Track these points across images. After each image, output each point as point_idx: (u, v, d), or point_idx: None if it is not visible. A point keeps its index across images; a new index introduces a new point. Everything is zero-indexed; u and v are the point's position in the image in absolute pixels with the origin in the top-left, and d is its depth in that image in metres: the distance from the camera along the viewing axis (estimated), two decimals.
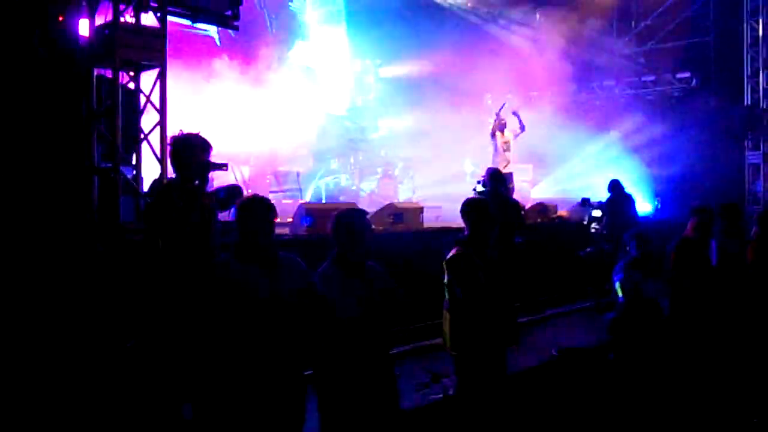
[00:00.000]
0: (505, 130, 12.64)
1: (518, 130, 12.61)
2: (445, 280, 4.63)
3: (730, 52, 15.90)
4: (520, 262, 7.94)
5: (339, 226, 4.01)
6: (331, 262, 3.99)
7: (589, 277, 9.56)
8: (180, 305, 4.29)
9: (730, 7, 15.79)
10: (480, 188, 9.25)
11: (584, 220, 10.65)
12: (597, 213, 10.40)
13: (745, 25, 15.41)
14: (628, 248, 6.39)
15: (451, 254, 4.64)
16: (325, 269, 3.96)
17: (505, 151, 12.51)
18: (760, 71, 15.31)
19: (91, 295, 5.80)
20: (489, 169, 8.69)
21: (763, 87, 15.27)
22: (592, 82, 18.27)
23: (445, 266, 4.64)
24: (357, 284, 3.91)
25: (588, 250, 10.04)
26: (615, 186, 10.50)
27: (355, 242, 3.97)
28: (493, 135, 12.50)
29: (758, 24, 15.26)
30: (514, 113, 12.72)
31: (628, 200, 10.46)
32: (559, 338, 7.78)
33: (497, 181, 8.33)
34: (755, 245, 7.13)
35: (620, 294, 6.20)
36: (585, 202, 10.90)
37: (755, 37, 15.36)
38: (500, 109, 12.54)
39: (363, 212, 4.26)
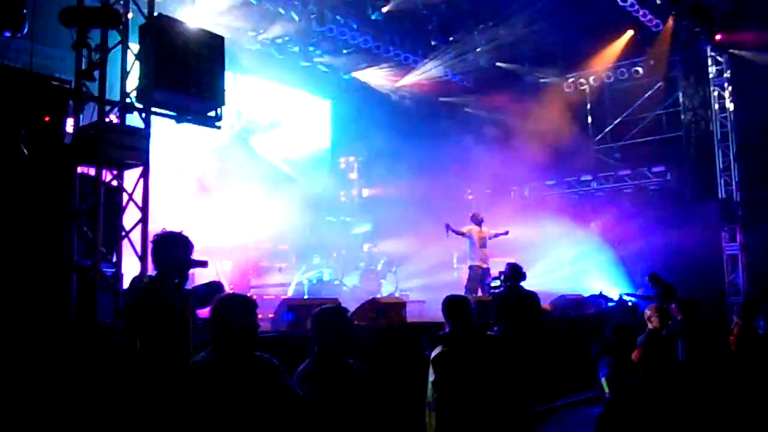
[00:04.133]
0: (483, 226, 12.93)
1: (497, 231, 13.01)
2: (431, 378, 4.56)
3: (702, 147, 16.40)
4: (538, 353, 8.33)
5: (318, 324, 3.97)
6: (311, 360, 3.94)
7: None
8: (156, 407, 4.18)
9: (699, 105, 16.40)
10: (496, 283, 9.60)
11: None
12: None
13: (714, 121, 15.97)
14: (612, 341, 6.35)
15: (435, 352, 4.59)
16: (304, 367, 3.90)
17: (481, 247, 12.76)
18: (732, 165, 15.75)
19: (65, 396, 5.65)
20: (509, 264, 8.93)
21: (735, 180, 15.68)
22: (570, 176, 18.65)
23: (430, 364, 4.59)
24: (336, 383, 3.84)
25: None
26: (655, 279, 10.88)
27: (335, 340, 3.93)
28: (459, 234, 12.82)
29: (727, 120, 15.83)
30: (496, 235, 13.24)
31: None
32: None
33: (517, 276, 8.77)
34: (737, 337, 7.17)
35: (606, 389, 6.12)
36: (601, 296, 11.32)
37: (724, 133, 15.89)
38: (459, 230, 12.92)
39: (343, 309, 4.23)
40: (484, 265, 12.74)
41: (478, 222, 13.05)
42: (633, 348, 6.43)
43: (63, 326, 5.87)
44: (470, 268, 12.86)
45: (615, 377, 6.08)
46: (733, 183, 15.72)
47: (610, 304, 11.41)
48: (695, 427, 6.12)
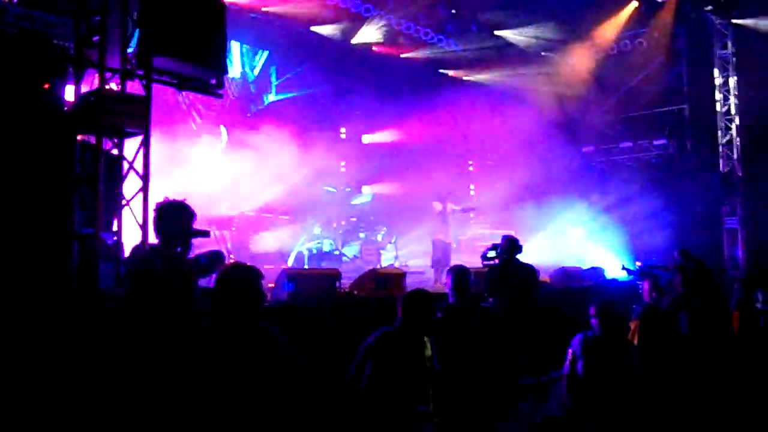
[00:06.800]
0: (448, 202, 13.06)
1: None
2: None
3: (704, 120, 16.33)
4: (536, 325, 8.16)
5: (407, 305, 4.27)
6: (395, 329, 4.27)
7: None
8: (159, 373, 4.20)
9: (702, 78, 16.28)
10: (491, 254, 9.51)
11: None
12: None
13: (717, 95, 15.88)
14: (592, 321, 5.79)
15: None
16: (389, 329, 4.27)
17: (443, 222, 12.91)
18: (734, 139, 15.69)
19: (68, 363, 5.68)
20: (505, 236, 8.81)
21: (737, 154, 15.63)
22: (572, 148, 18.58)
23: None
24: (415, 351, 4.22)
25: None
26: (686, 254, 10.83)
27: (420, 319, 4.23)
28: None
29: (730, 94, 15.73)
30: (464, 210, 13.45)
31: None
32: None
33: (514, 249, 8.56)
34: (740, 312, 7.17)
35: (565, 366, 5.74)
36: (624, 270, 11.37)
37: (728, 107, 15.80)
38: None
39: (430, 295, 4.43)
40: (447, 240, 12.83)
41: (443, 197, 13.12)
42: (617, 326, 6.09)
43: (65, 295, 5.88)
44: (433, 242, 12.94)
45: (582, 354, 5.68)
46: (735, 157, 15.68)
47: (630, 277, 11.38)
48: (693, 401, 6.14)
